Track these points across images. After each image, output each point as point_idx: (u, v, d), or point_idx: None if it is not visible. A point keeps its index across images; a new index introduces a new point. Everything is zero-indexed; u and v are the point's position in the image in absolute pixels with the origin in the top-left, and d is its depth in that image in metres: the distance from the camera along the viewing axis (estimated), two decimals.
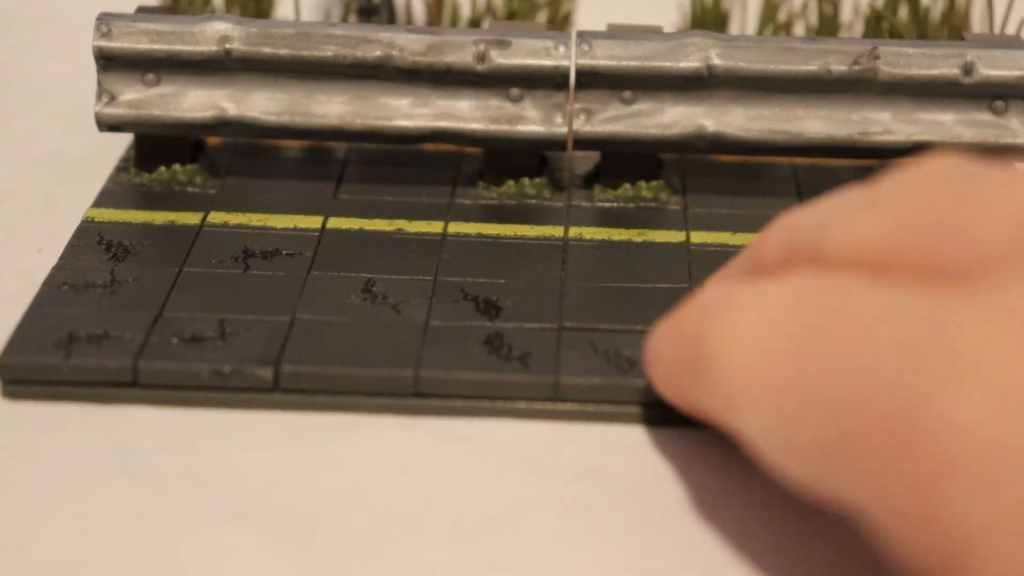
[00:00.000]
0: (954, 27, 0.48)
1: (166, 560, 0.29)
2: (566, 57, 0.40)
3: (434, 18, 0.49)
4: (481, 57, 0.40)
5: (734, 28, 0.50)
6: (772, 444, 0.27)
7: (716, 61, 0.40)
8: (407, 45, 0.40)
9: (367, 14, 0.48)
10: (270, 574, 0.29)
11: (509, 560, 0.29)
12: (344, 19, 0.48)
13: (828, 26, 0.48)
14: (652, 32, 0.41)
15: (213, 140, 0.43)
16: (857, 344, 0.26)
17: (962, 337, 0.24)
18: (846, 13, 0.51)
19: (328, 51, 0.40)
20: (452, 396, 0.33)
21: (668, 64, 0.40)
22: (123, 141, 0.44)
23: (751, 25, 0.51)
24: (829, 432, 0.26)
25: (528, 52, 0.41)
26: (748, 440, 0.28)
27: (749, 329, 0.28)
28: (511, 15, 0.48)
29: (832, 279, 0.27)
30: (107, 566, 0.29)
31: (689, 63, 0.40)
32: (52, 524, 0.30)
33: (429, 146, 0.43)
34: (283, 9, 0.51)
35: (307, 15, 0.51)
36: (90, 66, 0.42)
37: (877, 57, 0.40)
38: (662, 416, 0.33)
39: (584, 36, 0.41)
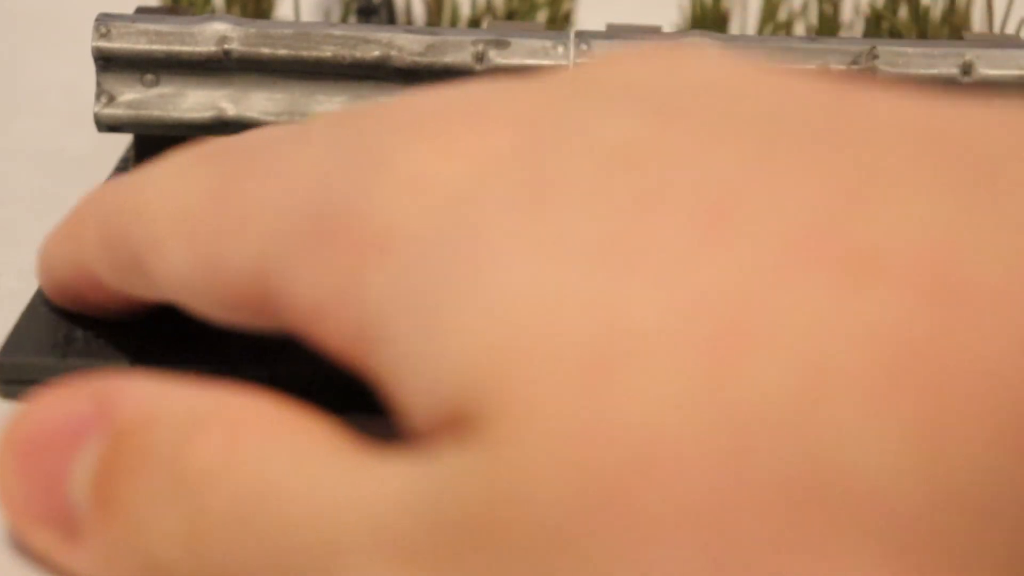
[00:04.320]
0: (954, 27, 0.48)
1: None
2: (565, 57, 0.40)
3: (434, 18, 0.49)
4: (480, 57, 0.40)
5: (734, 28, 0.50)
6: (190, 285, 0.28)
7: None
8: (406, 45, 0.40)
9: (367, 14, 0.48)
10: None
11: None
12: (344, 19, 0.48)
13: (829, 26, 0.48)
14: (651, 32, 0.41)
15: (211, 138, 0.43)
16: (287, 152, 0.27)
17: (387, 143, 0.25)
18: (847, 13, 0.51)
19: (327, 51, 0.40)
20: None
21: None
22: (123, 141, 0.44)
23: (751, 25, 0.51)
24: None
25: (527, 52, 0.40)
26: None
27: (163, 181, 0.29)
28: (511, 15, 0.48)
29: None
30: None
31: None
32: None
33: None
34: (283, 9, 0.51)
35: (307, 15, 0.51)
36: (90, 66, 0.42)
37: (876, 57, 0.40)
38: None
39: (582, 36, 0.41)
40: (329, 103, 0.41)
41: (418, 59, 0.40)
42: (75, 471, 0.27)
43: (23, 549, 0.28)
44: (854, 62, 0.40)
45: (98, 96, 0.41)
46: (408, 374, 0.24)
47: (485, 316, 0.23)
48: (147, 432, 0.26)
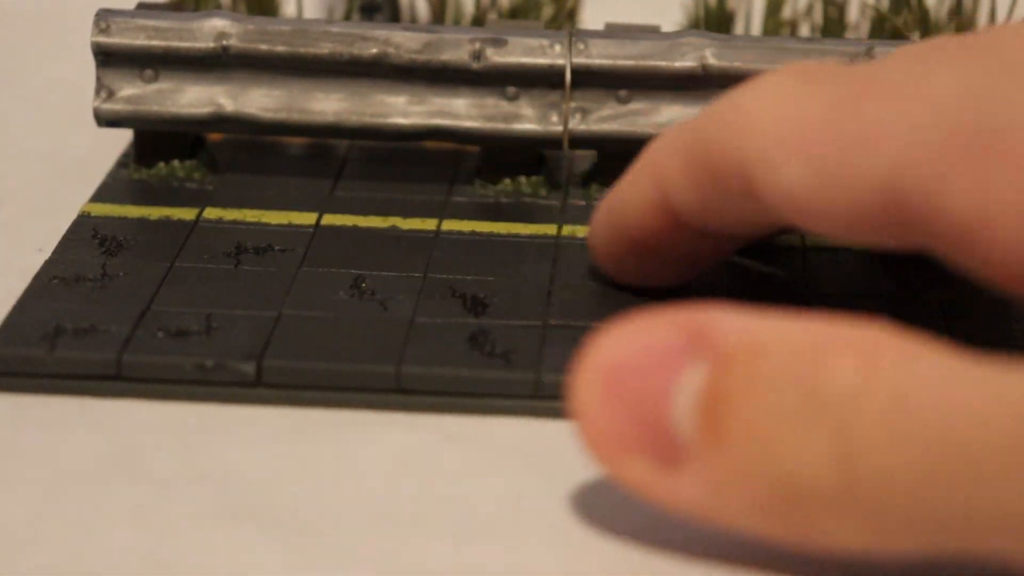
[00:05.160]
0: (960, 27, 0.47)
1: (159, 558, 0.29)
2: (562, 56, 0.40)
3: (437, 15, 0.49)
4: (477, 55, 0.41)
5: (739, 28, 0.50)
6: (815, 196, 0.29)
7: (711, 60, 0.40)
8: (403, 43, 0.41)
9: (370, 11, 0.48)
10: (269, 573, 0.29)
11: (509, 560, 0.29)
12: (347, 17, 0.49)
13: (834, 27, 0.48)
14: (649, 31, 0.41)
15: (214, 136, 0.44)
16: (912, 77, 0.28)
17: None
18: (852, 14, 0.50)
19: (325, 48, 0.41)
20: (434, 392, 0.33)
21: (663, 63, 0.40)
22: (123, 140, 0.44)
23: (756, 25, 0.51)
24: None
25: (524, 51, 0.41)
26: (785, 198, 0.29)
27: (775, 97, 0.30)
28: (514, 12, 0.48)
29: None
30: (96, 562, 0.29)
31: (684, 62, 0.40)
32: (43, 521, 0.30)
33: (429, 144, 0.43)
34: (289, 7, 0.52)
35: (311, 12, 0.51)
36: (89, 66, 0.42)
37: (872, 57, 0.40)
38: None
39: (580, 35, 0.41)
40: (327, 100, 0.41)
41: (415, 56, 0.41)
42: (676, 397, 0.27)
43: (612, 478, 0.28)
44: (851, 62, 0.40)
45: (97, 91, 0.41)
46: None
47: None
48: (762, 357, 0.26)
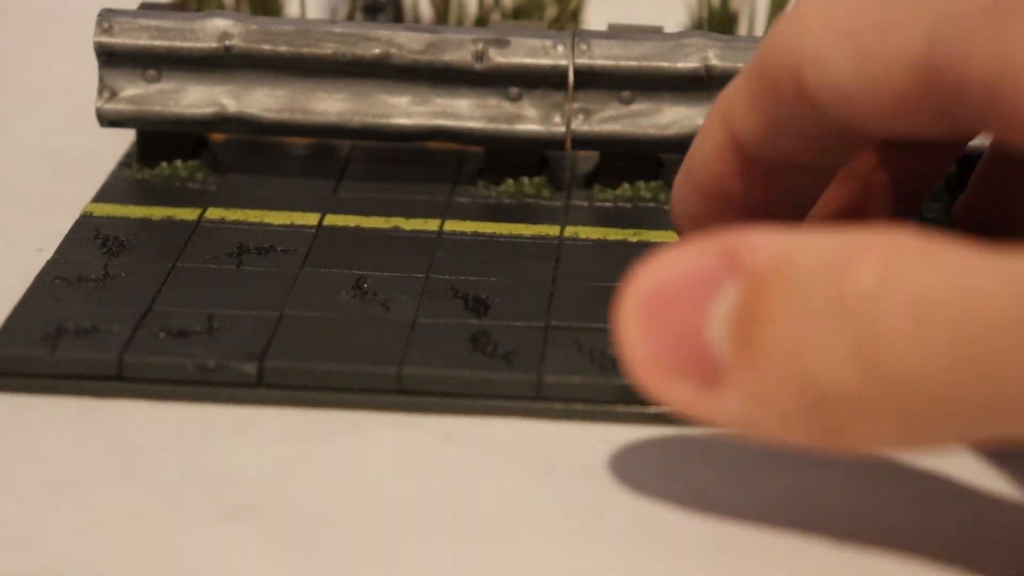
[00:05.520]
0: None
1: (159, 558, 0.29)
2: (564, 56, 0.40)
3: (440, 15, 0.49)
4: (480, 56, 0.41)
5: (742, 29, 0.50)
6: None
7: (714, 61, 0.40)
8: (406, 43, 0.41)
9: (373, 12, 0.48)
10: (269, 572, 0.29)
11: (509, 560, 0.29)
12: (350, 17, 0.49)
13: None
14: (652, 32, 0.41)
15: (217, 137, 0.44)
16: None
17: None
18: None
19: (327, 48, 0.41)
20: (435, 393, 0.33)
21: (666, 64, 0.40)
22: (124, 140, 0.44)
23: (760, 26, 0.51)
24: None
25: (527, 51, 0.41)
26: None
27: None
28: (517, 12, 0.48)
29: None
30: (96, 562, 0.29)
31: (687, 63, 0.40)
32: (43, 521, 0.30)
33: (432, 145, 0.43)
34: (293, 7, 0.52)
35: (313, 12, 0.51)
36: (91, 66, 0.42)
37: None
38: (661, 416, 0.33)
39: (583, 35, 0.41)
40: (329, 100, 0.41)
41: (418, 57, 0.41)
42: (712, 318, 0.28)
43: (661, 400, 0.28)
44: None
45: (100, 91, 0.41)
46: None
47: None
48: (790, 271, 0.27)
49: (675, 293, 0.28)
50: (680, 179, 0.35)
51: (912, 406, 0.26)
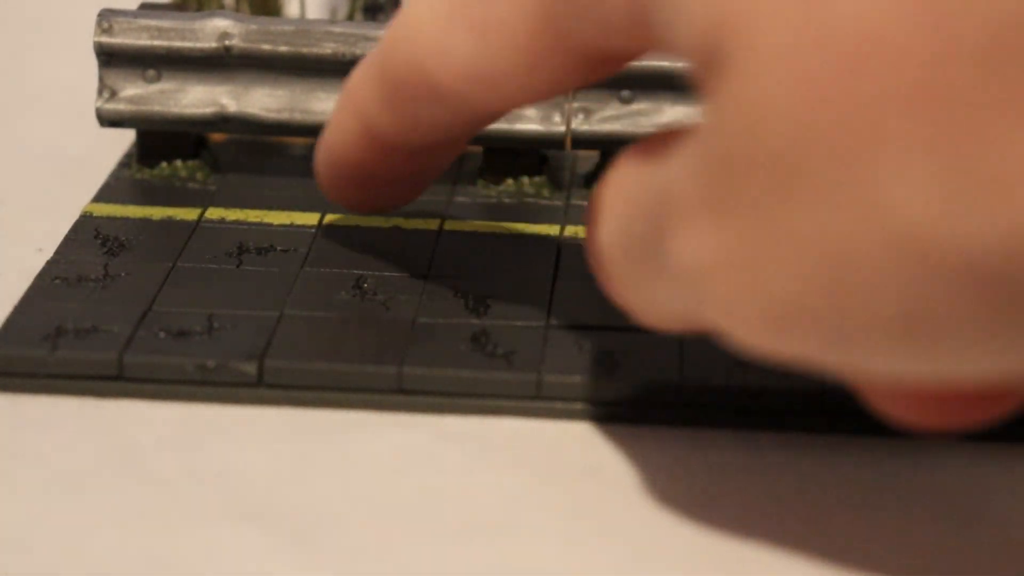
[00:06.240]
0: None
1: (159, 558, 0.29)
2: None
3: None
4: None
5: None
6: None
7: None
8: None
9: (373, 12, 0.48)
10: (269, 572, 0.29)
11: (509, 560, 0.29)
12: (350, 17, 0.49)
13: None
14: None
15: (217, 137, 0.44)
16: None
17: None
18: None
19: (327, 48, 0.41)
20: (435, 393, 0.33)
21: (666, 64, 0.40)
22: (124, 140, 0.44)
23: None
24: None
25: None
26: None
27: None
28: None
29: None
30: (96, 562, 0.29)
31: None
32: (43, 521, 0.30)
33: None
34: (293, 8, 0.52)
35: (313, 12, 0.51)
36: (91, 66, 0.42)
37: None
38: (661, 416, 0.33)
39: None
40: (329, 100, 0.41)
41: None
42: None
43: None
44: None
45: (100, 91, 0.41)
46: (674, 15, 0.26)
47: None
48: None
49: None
50: (323, 169, 0.36)
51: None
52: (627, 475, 0.32)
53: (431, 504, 0.31)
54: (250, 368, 0.33)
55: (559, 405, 0.33)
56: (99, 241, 0.38)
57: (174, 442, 0.32)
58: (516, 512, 0.30)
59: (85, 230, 0.39)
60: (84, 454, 0.32)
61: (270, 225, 0.39)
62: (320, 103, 0.41)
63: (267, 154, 0.43)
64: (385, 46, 0.33)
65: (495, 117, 0.34)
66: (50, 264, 0.37)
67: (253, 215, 0.40)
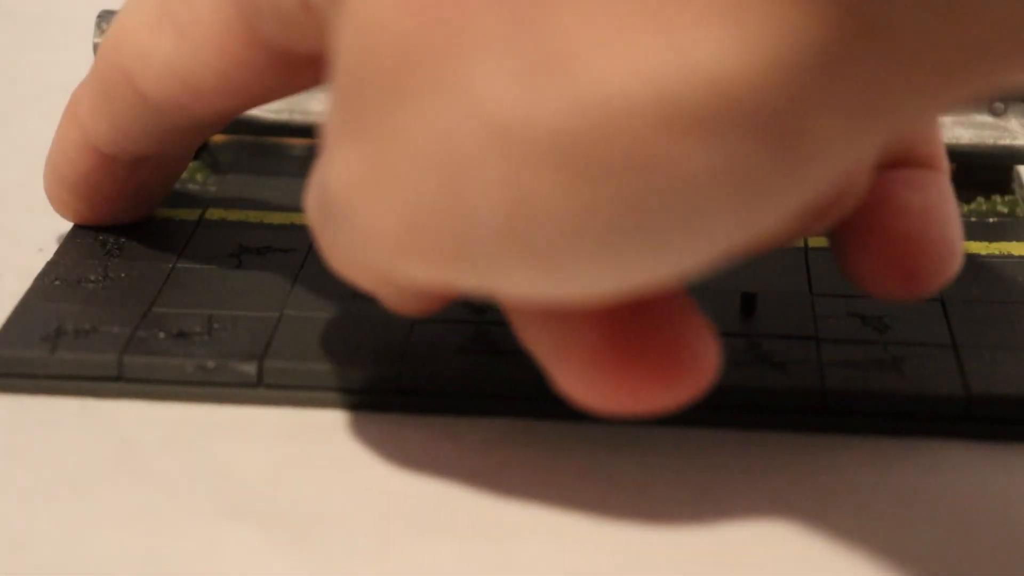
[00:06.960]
0: None
1: (159, 558, 0.29)
2: None
3: None
4: None
5: None
6: None
7: None
8: None
9: None
10: (269, 572, 0.29)
11: (509, 560, 0.29)
12: None
13: None
14: None
15: (217, 137, 0.44)
16: None
17: None
18: None
19: None
20: (435, 393, 0.33)
21: None
22: None
23: None
24: None
25: None
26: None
27: None
28: None
29: None
30: (96, 562, 0.29)
31: None
32: (43, 521, 0.30)
33: None
34: None
35: None
36: (91, 64, 0.42)
37: None
38: (662, 416, 0.33)
39: None
40: None
41: None
42: None
43: None
44: None
45: None
46: None
47: None
48: None
49: None
50: (48, 182, 0.36)
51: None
52: (627, 475, 0.32)
53: (431, 504, 0.31)
54: (250, 368, 0.33)
55: (559, 405, 0.33)
56: (99, 242, 0.38)
57: (174, 442, 0.32)
58: (516, 512, 0.30)
59: (85, 231, 0.39)
60: (84, 454, 0.32)
61: (270, 225, 0.39)
62: (319, 103, 0.41)
63: (267, 154, 0.43)
64: (99, 53, 0.33)
65: (209, 127, 0.34)
66: (50, 265, 0.37)
67: (253, 215, 0.40)
